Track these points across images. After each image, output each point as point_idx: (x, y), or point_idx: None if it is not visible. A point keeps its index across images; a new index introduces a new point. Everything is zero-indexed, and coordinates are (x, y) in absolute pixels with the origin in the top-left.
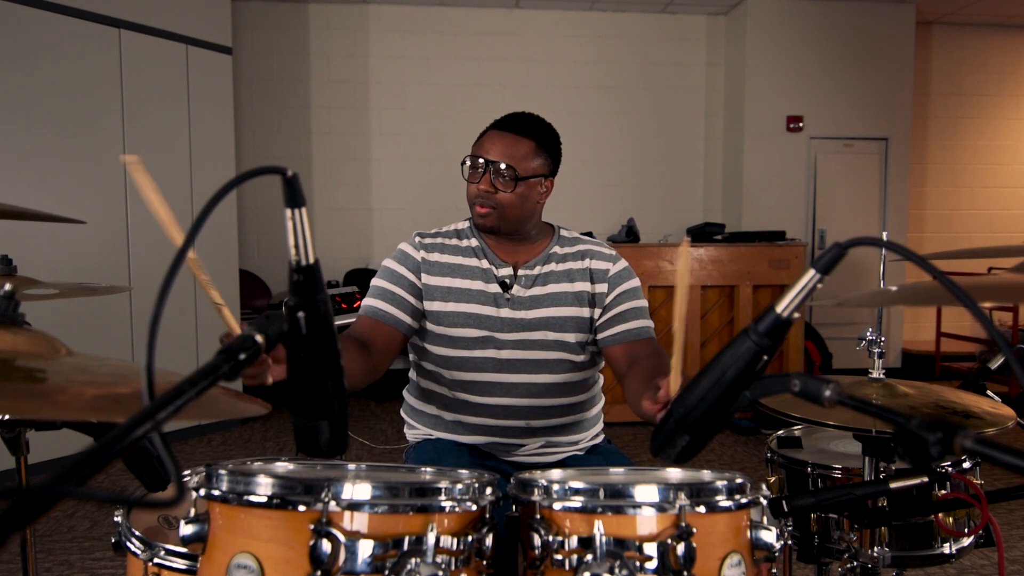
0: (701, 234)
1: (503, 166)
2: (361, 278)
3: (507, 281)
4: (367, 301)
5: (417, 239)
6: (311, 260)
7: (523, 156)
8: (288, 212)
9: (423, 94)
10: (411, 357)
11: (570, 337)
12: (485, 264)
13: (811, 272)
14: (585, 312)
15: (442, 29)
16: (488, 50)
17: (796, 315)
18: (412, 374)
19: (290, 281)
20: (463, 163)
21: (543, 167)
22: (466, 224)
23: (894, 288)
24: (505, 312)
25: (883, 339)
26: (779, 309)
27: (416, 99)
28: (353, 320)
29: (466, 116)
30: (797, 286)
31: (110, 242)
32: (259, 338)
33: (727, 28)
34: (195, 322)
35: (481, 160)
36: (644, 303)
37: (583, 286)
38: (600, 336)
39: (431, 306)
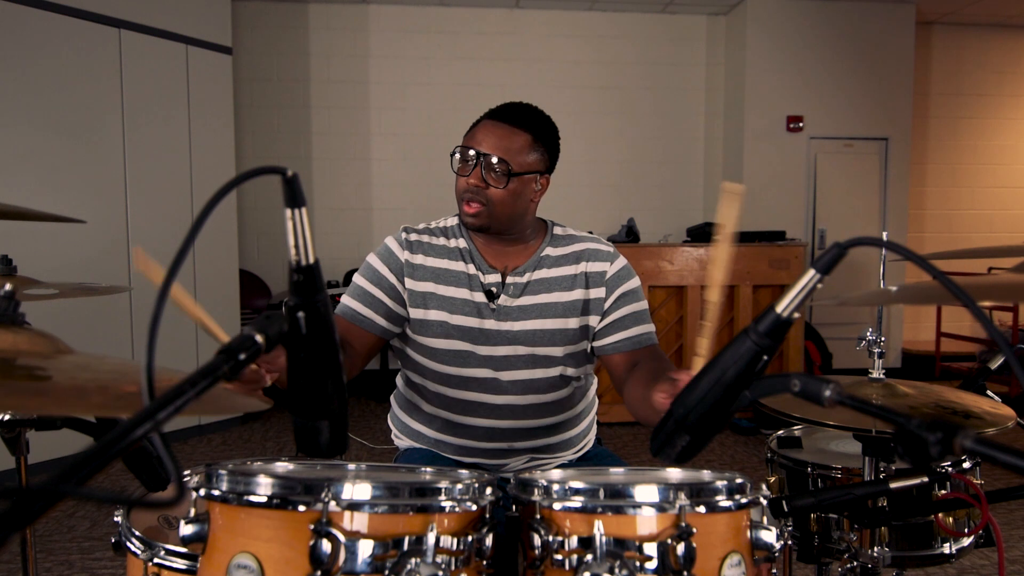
0: (701, 234)
1: (495, 159)
2: None
3: (493, 290)
4: (344, 300)
5: (403, 235)
6: (311, 260)
7: (518, 150)
8: (288, 212)
9: (423, 94)
10: (399, 364)
11: (558, 351)
12: (472, 269)
13: (811, 272)
14: (573, 323)
15: (442, 29)
16: (488, 50)
17: (796, 315)
18: (399, 380)
19: (290, 281)
20: (452, 154)
21: (539, 163)
22: (455, 221)
23: (894, 288)
24: (489, 323)
25: (883, 339)
26: (779, 309)
27: (416, 99)
28: None
29: (466, 116)
30: (797, 286)
31: (110, 242)
32: (259, 338)
33: (727, 28)
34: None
35: (472, 152)
36: (644, 305)
37: (578, 294)
38: (598, 343)
39: (415, 313)
